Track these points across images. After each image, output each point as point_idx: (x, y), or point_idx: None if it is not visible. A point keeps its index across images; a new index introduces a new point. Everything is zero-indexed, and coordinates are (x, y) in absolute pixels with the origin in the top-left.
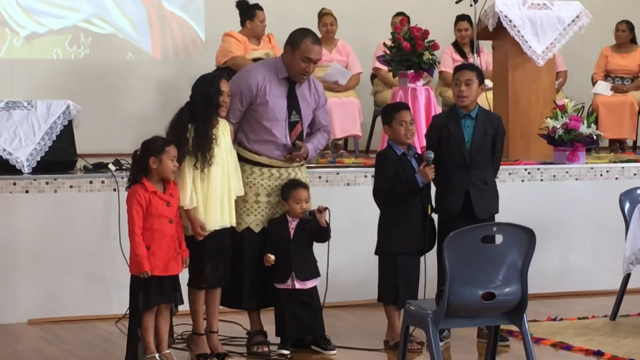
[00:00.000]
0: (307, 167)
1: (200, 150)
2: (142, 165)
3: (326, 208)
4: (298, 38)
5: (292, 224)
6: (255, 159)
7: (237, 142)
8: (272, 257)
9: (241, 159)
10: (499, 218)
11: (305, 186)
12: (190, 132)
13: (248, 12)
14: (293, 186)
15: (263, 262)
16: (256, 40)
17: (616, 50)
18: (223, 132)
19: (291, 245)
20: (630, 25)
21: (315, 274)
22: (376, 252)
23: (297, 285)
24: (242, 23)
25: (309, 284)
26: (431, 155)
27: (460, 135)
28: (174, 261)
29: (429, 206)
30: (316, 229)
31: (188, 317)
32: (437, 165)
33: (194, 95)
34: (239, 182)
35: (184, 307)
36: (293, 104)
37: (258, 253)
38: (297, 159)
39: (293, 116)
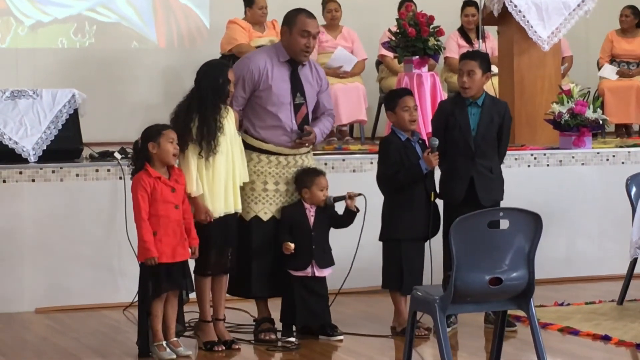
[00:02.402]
0: (313, 154)
1: (205, 139)
2: (142, 152)
3: (360, 194)
4: (292, 16)
5: (311, 212)
6: (262, 147)
7: (243, 130)
8: (292, 245)
9: (248, 147)
10: (504, 203)
11: (323, 174)
12: (194, 121)
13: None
14: (315, 174)
15: (273, 251)
16: (260, 27)
17: (621, 34)
18: (228, 119)
19: (312, 233)
20: (635, 10)
21: (331, 262)
22: (380, 239)
23: (317, 273)
24: (245, 11)
25: (326, 272)
26: (435, 142)
27: (466, 122)
28: (181, 247)
29: (433, 192)
30: (336, 215)
31: (195, 305)
32: (442, 152)
33: (200, 83)
34: (244, 168)
35: (191, 295)
36: (297, 86)
37: (267, 241)
38: (306, 144)
39: (297, 98)
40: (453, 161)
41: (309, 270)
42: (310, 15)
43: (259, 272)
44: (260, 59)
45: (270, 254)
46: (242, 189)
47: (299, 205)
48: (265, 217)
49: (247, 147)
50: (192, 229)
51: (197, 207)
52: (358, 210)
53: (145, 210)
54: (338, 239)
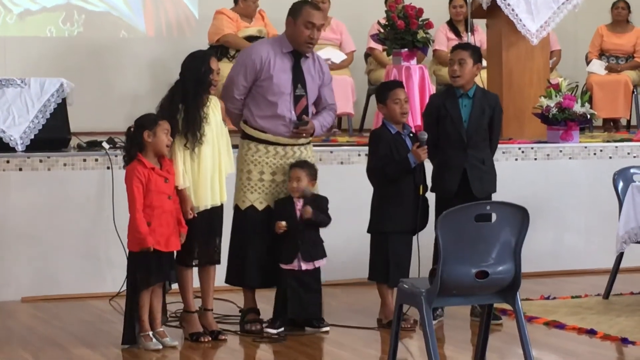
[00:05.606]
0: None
1: (190, 130)
2: (136, 140)
3: (311, 209)
4: (298, 6)
5: (299, 205)
6: (260, 137)
7: (243, 119)
8: (284, 223)
9: (246, 136)
10: (492, 197)
11: (301, 166)
12: (179, 113)
13: None
14: (292, 165)
15: (266, 241)
16: (248, 17)
17: (611, 29)
18: (213, 109)
19: (298, 226)
20: (627, 4)
21: (322, 254)
22: (368, 231)
23: (303, 267)
24: (235, 1)
25: (316, 264)
26: (424, 136)
27: (458, 114)
28: (174, 237)
29: (421, 186)
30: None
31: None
32: (434, 145)
33: (184, 74)
34: (229, 159)
35: (176, 285)
36: (298, 78)
37: (261, 231)
38: (304, 135)
39: (298, 90)
40: (445, 153)
41: (295, 264)
42: (316, 7)
43: (252, 262)
44: (262, 49)
45: (264, 245)
46: (239, 178)
47: (288, 199)
48: (260, 207)
49: (246, 136)
50: (181, 217)
51: (184, 201)
52: (311, 217)
53: (140, 202)
54: (325, 231)
